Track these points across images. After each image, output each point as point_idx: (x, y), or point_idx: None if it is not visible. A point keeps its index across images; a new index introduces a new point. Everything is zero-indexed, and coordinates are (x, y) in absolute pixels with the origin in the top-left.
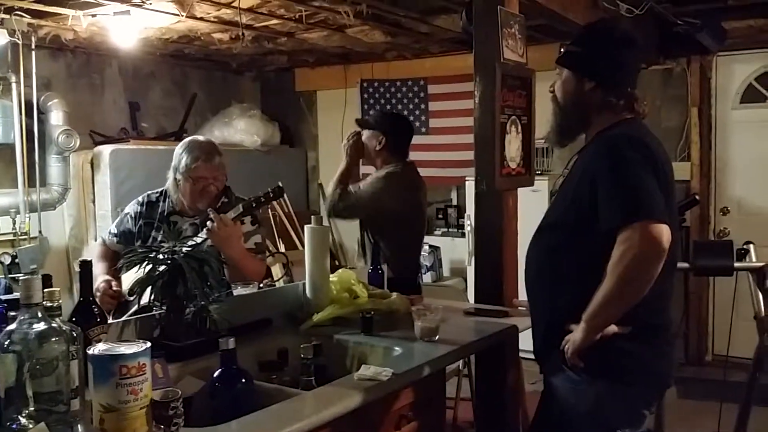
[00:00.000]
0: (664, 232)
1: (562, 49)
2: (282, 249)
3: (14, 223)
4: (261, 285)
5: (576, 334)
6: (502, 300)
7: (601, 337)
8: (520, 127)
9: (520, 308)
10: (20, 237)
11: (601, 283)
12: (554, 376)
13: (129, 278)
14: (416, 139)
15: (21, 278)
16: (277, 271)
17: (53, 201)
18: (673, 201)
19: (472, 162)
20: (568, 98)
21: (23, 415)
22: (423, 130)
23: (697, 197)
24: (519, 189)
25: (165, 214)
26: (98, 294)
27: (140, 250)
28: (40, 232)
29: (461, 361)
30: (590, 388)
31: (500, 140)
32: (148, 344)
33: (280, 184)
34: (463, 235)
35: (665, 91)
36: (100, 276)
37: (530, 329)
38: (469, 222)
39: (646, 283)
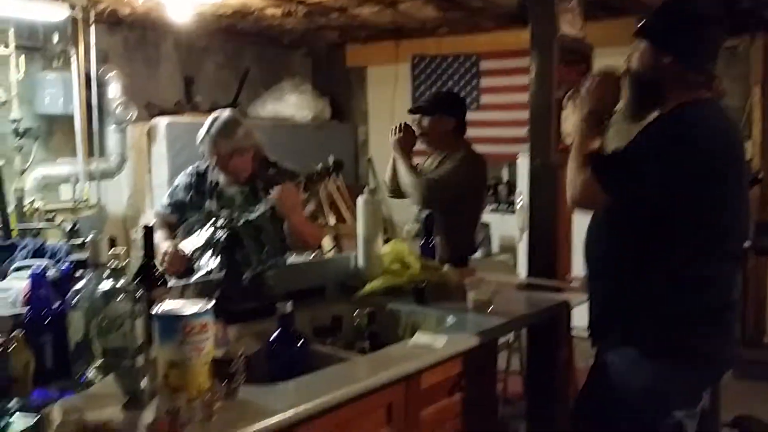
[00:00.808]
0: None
1: (641, 22)
2: (332, 222)
3: (74, 192)
4: (312, 257)
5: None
6: (555, 275)
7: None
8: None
9: (573, 284)
10: (80, 205)
11: (661, 256)
12: (612, 351)
13: (188, 246)
14: (467, 116)
15: (88, 239)
16: (327, 243)
17: (111, 171)
18: (745, 182)
19: (525, 138)
20: (645, 71)
21: (91, 368)
22: (474, 106)
23: (759, 176)
24: None
25: (214, 183)
26: (166, 258)
27: (199, 218)
28: (98, 200)
29: (511, 334)
30: (649, 365)
31: (556, 116)
32: (212, 303)
33: (335, 158)
34: (513, 211)
35: (727, 70)
36: (164, 242)
37: (583, 305)
38: (520, 198)
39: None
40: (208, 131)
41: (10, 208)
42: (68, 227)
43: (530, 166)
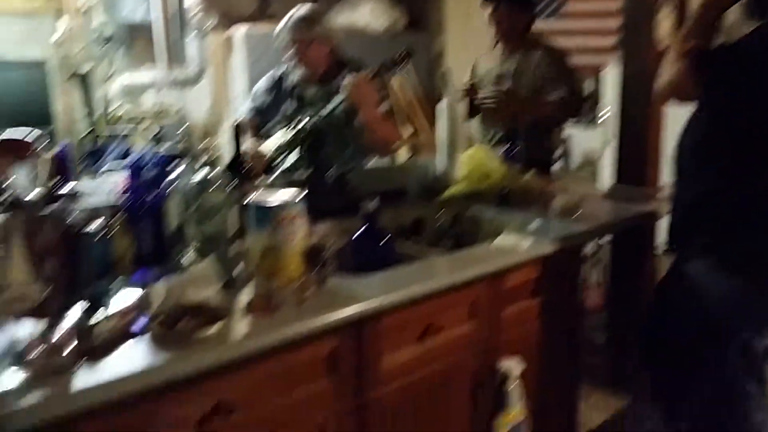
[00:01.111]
0: None
1: None
2: (408, 133)
3: (157, 100)
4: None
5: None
6: (644, 186)
7: None
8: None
9: (659, 195)
10: (162, 113)
11: (756, 168)
12: (691, 260)
13: (271, 146)
14: (549, 25)
15: (181, 130)
16: (403, 154)
17: (191, 80)
18: None
19: (612, 48)
20: None
21: (187, 254)
22: (555, 14)
23: None
24: None
25: (294, 85)
26: (249, 157)
27: (280, 121)
28: (180, 109)
29: (593, 245)
30: (727, 280)
31: (651, 20)
32: (303, 194)
33: (406, 49)
34: (596, 125)
35: None
36: (248, 143)
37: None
38: (605, 111)
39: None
40: (288, 20)
41: (98, 114)
42: (152, 134)
43: (622, 73)
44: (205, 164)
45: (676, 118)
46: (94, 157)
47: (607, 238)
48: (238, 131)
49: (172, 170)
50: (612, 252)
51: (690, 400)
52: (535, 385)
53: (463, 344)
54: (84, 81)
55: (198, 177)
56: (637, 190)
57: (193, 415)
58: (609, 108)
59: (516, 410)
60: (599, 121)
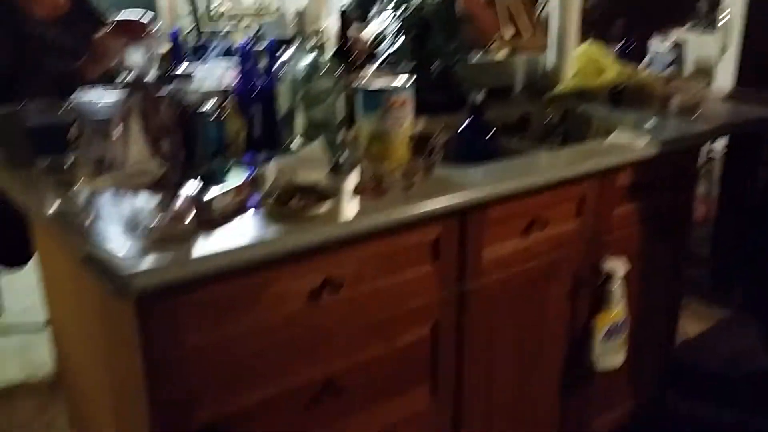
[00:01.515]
0: None
1: None
2: (509, 35)
3: None
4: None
5: None
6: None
7: None
8: None
9: None
10: (262, 11)
11: None
12: None
13: (372, 35)
14: None
15: (293, 13)
16: (501, 54)
17: None
18: None
19: None
20: None
21: (296, 138)
22: None
23: None
24: None
25: None
26: (352, 44)
27: (383, 7)
28: (279, 7)
29: (702, 157)
30: None
31: None
32: (412, 80)
33: None
34: (713, 30)
35: None
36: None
37: None
38: (725, 14)
39: None
40: None
41: (200, 10)
42: (253, 31)
43: None
44: (313, 49)
45: None
46: (197, 53)
47: (719, 150)
48: (345, 18)
49: (282, 55)
50: (726, 158)
51: None
52: (636, 289)
53: (568, 241)
54: None
55: (307, 61)
56: (759, 94)
57: (304, 288)
58: (728, 11)
59: (618, 309)
60: (718, 26)
